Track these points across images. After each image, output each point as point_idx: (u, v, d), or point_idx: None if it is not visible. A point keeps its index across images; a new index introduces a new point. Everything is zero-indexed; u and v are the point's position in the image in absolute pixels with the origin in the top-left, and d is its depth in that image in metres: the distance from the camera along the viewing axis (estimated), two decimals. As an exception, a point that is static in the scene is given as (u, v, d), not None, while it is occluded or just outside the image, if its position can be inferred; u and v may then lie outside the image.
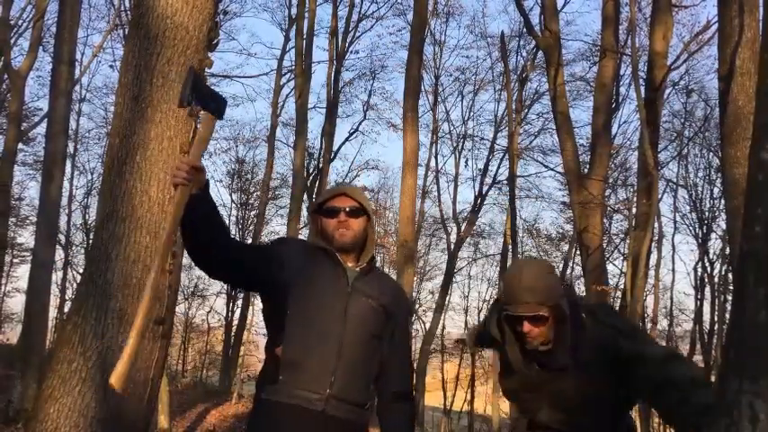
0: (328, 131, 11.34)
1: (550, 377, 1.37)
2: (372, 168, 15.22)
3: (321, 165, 11.63)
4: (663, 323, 13.54)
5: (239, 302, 12.97)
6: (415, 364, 11.08)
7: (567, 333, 1.33)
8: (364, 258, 1.46)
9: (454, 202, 13.18)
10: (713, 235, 12.44)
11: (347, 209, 1.44)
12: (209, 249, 1.33)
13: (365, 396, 1.42)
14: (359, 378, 1.39)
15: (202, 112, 1.23)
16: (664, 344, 14.21)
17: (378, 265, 1.54)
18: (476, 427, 12.90)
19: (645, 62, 7.18)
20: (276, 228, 15.31)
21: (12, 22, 8.82)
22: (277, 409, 1.34)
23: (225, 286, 12.69)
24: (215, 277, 1.46)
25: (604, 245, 7.86)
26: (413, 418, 1.50)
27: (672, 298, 13.63)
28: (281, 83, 12.12)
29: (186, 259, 2.09)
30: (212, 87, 1.27)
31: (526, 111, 12.41)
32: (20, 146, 10.03)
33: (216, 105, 1.25)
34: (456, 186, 13.22)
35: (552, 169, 11.93)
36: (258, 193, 13.66)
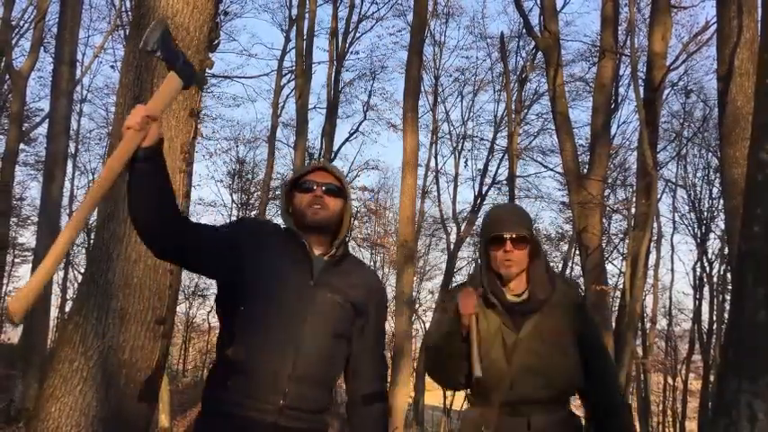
0: (328, 132, 11.36)
1: (527, 330, 1.42)
2: (372, 168, 15.23)
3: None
4: (662, 323, 13.57)
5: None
6: (414, 364, 11.16)
7: (542, 270, 1.45)
8: (335, 245, 1.31)
9: (454, 203, 13.22)
10: (712, 235, 12.48)
11: (324, 186, 1.30)
12: (156, 222, 1.14)
13: (325, 402, 1.28)
14: (318, 385, 1.25)
15: (171, 72, 1.11)
16: (663, 343, 14.30)
17: (351, 252, 1.39)
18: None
19: (644, 63, 7.20)
20: (276, 228, 15.24)
21: (13, 23, 8.83)
22: (224, 419, 1.20)
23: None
24: (164, 258, 1.30)
25: (603, 245, 7.87)
26: (385, 420, 1.38)
27: (671, 298, 13.68)
28: (282, 83, 12.14)
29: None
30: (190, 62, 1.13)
31: (526, 111, 12.43)
32: (21, 146, 9.98)
33: (184, 68, 1.12)
34: (456, 186, 13.26)
35: (552, 169, 11.96)
36: (259, 193, 13.68)
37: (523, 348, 1.41)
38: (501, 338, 1.42)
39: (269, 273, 1.25)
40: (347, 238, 1.35)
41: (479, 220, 13.42)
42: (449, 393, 12.38)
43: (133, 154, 1.09)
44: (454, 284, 1.72)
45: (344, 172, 14.41)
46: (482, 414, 1.42)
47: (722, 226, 10.98)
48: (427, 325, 13.28)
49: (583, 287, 6.14)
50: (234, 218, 15.08)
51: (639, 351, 11.05)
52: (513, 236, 1.41)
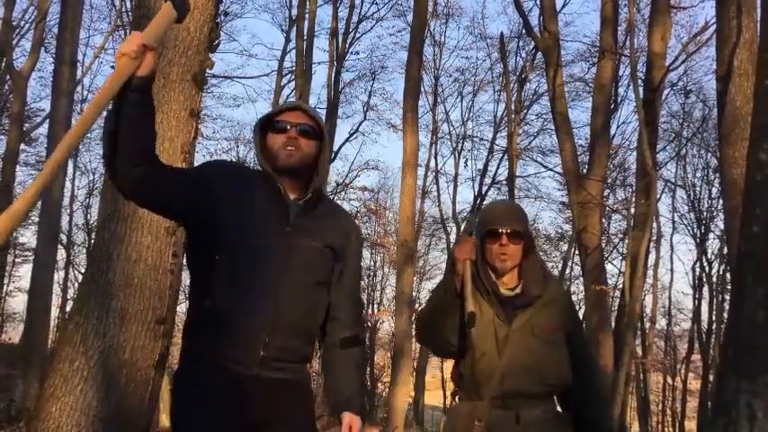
0: (329, 132, 11.33)
1: (520, 323, 1.44)
2: (372, 169, 15.21)
3: (321, 165, 11.61)
4: (661, 322, 13.58)
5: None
6: (414, 363, 11.15)
7: (535, 265, 1.50)
8: (311, 188, 1.24)
9: (454, 202, 13.22)
10: (711, 235, 12.49)
11: (299, 126, 1.22)
12: (136, 155, 1.09)
13: (307, 352, 1.24)
14: (299, 334, 1.20)
15: (166, 2, 1.09)
16: (662, 343, 14.32)
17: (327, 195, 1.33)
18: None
19: (643, 63, 7.20)
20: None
21: (14, 24, 8.82)
22: (204, 371, 1.16)
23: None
24: (134, 199, 1.19)
25: (603, 245, 7.88)
26: (363, 364, 1.35)
27: (670, 297, 13.68)
28: (282, 83, 12.15)
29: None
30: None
31: (525, 111, 12.43)
32: (22, 146, 9.97)
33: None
34: (455, 186, 13.26)
35: (551, 169, 11.96)
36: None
37: (515, 342, 1.43)
38: (493, 330, 1.44)
39: (243, 219, 1.19)
40: (323, 182, 1.30)
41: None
42: (448, 393, 12.38)
43: (126, 82, 1.04)
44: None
45: (344, 172, 14.43)
46: (474, 407, 1.43)
47: (721, 226, 11.00)
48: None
49: (582, 287, 6.14)
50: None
51: (639, 351, 11.05)
52: (509, 231, 1.46)
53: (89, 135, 14.05)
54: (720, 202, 10.83)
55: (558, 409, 1.49)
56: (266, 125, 1.25)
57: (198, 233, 1.22)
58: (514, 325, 1.44)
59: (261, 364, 1.16)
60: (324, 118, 12.61)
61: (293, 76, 11.25)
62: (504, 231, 1.45)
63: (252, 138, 1.30)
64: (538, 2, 7.79)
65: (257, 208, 1.21)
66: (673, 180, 12.21)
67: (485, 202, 12.65)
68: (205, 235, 1.19)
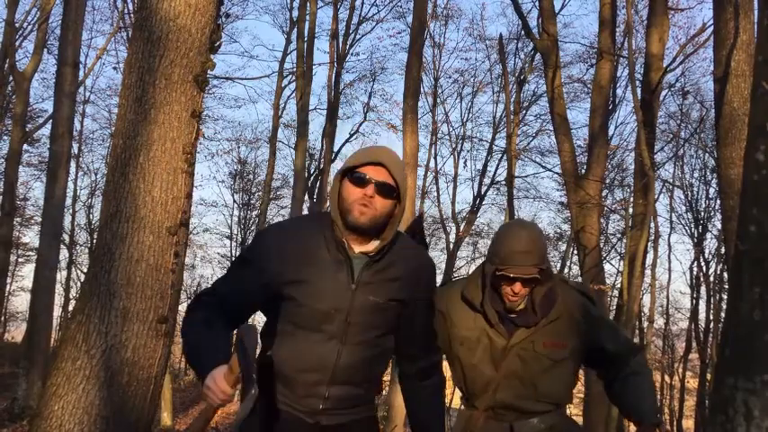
0: (329, 132, 11.37)
1: (520, 337, 1.39)
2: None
3: (322, 165, 11.68)
4: (659, 321, 13.62)
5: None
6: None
7: (544, 292, 1.39)
8: (381, 242, 1.20)
9: (453, 203, 13.25)
10: (709, 235, 12.54)
11: (377, 184, 1.18)
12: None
13: (370, 395, 1.28)
14: (360, 384, 1.24)
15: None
16: (660, 342, 14.35)
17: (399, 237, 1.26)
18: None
19: (641, 64, 7.23)
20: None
21: (17, 25, 8.82)
22: (269, 412, 1.21)
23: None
24: None
25: (601, 244, 7.91)
26: (442, 393, 1.35)
27: (668, 297, 13.72)
28: (283, 85, 12.17)
29: (188, 259, 2.08)
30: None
31: (524, 112, 12.48)
32: (25, 147, 10.02)
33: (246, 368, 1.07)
34: (455, 187, 13.29)
35: (550, 170, 12.00)
36: (260, 193, 13.71)
37: (512, 355, 1.38)
38: (488, 342, 1.39)
39: (308, 281, 1.19)
40: (392, 236, 1.23)
41: (479, 221, 13.47)
42: (448, 392, 12.40)
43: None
44: (441, 284, 1.71)
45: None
46: (470, 416, 1.42)
47: (719, 226, 11.05)
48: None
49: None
50: (235, 217, 15.00)
51: (637, 351, 11.03)
52: (525, 278, 1.34)
53: (91, 135, 14.06)
54: (718, 202, 10.90)
55: (556, 418, 1.42)
56: (346, 171, 1.22)
57: (268, 306, 1.25)
58: (513, 339, 1.39)
59: (321, 413, 1.21)
60: (324, 119, 12.52)
61: (294, 78, 11.28)
62: (518, 278, 1.34)
63: (281, 195, 1.26)
64: (537, 3, 7.82)
65: (320, 268, 1.20)
66: (670, 180, 12.25)
67: (484, 203, 12.68)
68: (273, 305, 1.22)
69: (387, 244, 1.22)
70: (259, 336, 1.24)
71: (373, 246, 1.22)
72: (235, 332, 1.09)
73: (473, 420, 1.42)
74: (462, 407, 1.50)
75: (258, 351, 1.21)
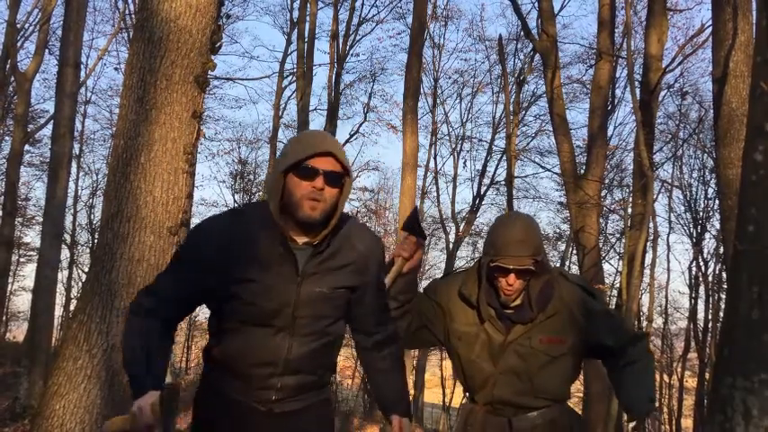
0: (329, 133, 11.35)
1: (517, 333, 1.37)
2: (373, 169, 15.29)
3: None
4: (658, 321, 13.63)
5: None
6: (414, 362, 11.15)
7: (541, 285, 1.37)
8: (325, 231, 1.16)
9: (453, 203, 13.25)
10: (707, 234, 12.55)
11: (327, 176, 1.12)
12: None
13: (323, 380, 1.26)
14: (313, 372, 1.22)
15: None
16: (659, 341, 14.38)
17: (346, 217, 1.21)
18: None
19: (640, 65, 7.25)
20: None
21: (18, 26, 8.83)
22: (221, 401, 1.20)
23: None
24: None
25: (600, 244, 7.92)
26: (400, 360, 1.33)
27: (667, 296, 13.72)
28: (283, 85, 12.18)
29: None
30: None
31: (524, 113, 12.49)
32: (26, 147, 9.98)
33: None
34: (455, 187, 13.30)
35: (549, 170, 12.01)
36: (260, 193, 13.69)
37: (510, 352, 1.37)
38: (485, 339, 1.38)
39: (252, 278, 1.16)
40: (336, 224, 1.18)
41: (478, 221, 13.49)
42: (448, 391, 12.42)
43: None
44: (443, 275, 1.66)
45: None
46: (471, 411, 1.42)
47: (717, 226, 11.07)
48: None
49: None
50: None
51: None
52: (519, 269, 1.32)
53: (92, 136, 14.08)
54: (716, 202, 10.92)
55: (556, 412, 1.39)
56: (292, 165, 1.13)
57: (212, 302, 1.22)
58: (511, 336, 1.38)
59: (274, 403, 1.20)
60: (324, 119, 12.51)
61: (294, 78, 11.28)
62: (513, 269, 1.32)
63: (267, 173, 1.22)
64: (536, 4, 7.84)
65: (263, 263, 1.16)
66: (669, 180, 12.27)
67: (483, 203, 12.70)
68: (217, 300, 1.20)
69: (330, 232, 1.17)
70: (208, 327, 1.25)
71: (316, 235, 1.17)
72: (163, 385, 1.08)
73: (473, 415, 1.41)
74: (465, 401, 1.49)
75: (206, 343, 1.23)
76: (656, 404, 1.45)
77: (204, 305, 1.25)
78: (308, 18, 10.14)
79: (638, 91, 6.01)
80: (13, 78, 8.91)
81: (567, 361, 1.39)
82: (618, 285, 7.77)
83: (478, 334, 1.39)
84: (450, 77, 13.65)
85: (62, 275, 12.17)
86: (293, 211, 1.15)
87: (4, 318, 11.93)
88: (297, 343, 1.19)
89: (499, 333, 1.38)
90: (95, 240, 11.10)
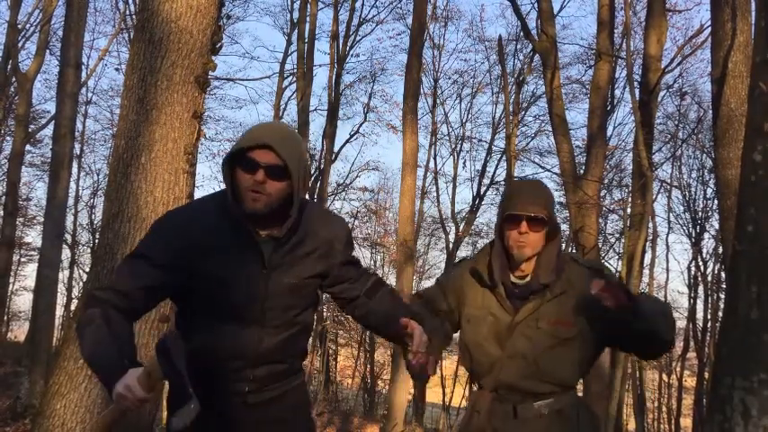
0: (329, 133, 11.39)
1: (526, 313, 1.34)
2: (373, 169, 15.29)
3: (322, 166, 11.69)
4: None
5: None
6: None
7: (552, 253, 1.35)
8: (284, 227, 1.15)
9: (453, 203, 13.27)
10: (706, 234, 12.57)
11: (265, 168, 1.11)
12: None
13: (296, 366, 1.26)
14: (285, 360, 1.22)
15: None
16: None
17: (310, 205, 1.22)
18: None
19: (639, 65, 7.27)
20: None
21: (19, 27, 8.85)
22: (195, 393, 1.12)
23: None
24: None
25: (600, 244, 7.93)
26: (397, 295, 1.35)
27: (666, 296, 13.73)
28: (283, 85, 12.19)
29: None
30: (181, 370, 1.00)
31: (523, 113, 12.50)
32: (27, 147, 9.97)
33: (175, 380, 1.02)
34: (454, 187, 13.31)
35: (549, 170, 12.01)
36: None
37: (518, 334, 1.34)
38: (493, 320, 1.36)
39: (217, 273, 1.15)
40: (296, 215, 1.17)
41: (478, 221, 13.50)
42: (447, 391, 12.42)
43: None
44: (458, 259, 1.67)
45: (345, 173, 14.42)
46: (478, 396, 1.40)
47: (716, 226, 11.09)
48: (425, 325, 13.19)
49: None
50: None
51: (635, 350, 11.05)
52: (531, 215, 1.30)
53: (93, 136, 14.09)
54: (715, 202, 10.94)
55: (564, 402, 1.34)
56: (235, 157, 1.13)
57: (177, 294, 1.20)
58: (519, 315, 1.34)
59: (247, 394, 1.20)
60: (325, 119, 12.47)
61: (294, 79, 11.29)
62: (524, 216, 1.30)
63: (221, 167, 1.16)
64: (535, 5, 7.84)
65: (229, 257, 1.14)
66: (668, 181, 12.29)
67: (483, 203, 12.72)
68: (183, 296, 1.19)
69: (292, 223, 1.16)
70: (175, 320, 1.23)
71: (279, 228, 1.16)
72: (156, 343, 1.03)
73: (480, 401, 1.38)
74: (474, 388, 1.48)
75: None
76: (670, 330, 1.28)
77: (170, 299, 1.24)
78: (308, 19, 10.16)
79: (637, 91, 6.02)
80: (14, 79, 8.95)
81: (575, 346, 1.34)
82: (617, 285, 7.73)
83: (486, 316, 1.37)
84: (449, 78, 13.66)
85: (63, 275, 12.20)
86: (239, 206, 1.14)
87: (5, 317, 11.94)
88: (267, 334, 1.18)
89: (506, 313, 1.35)
90: (96, 240, 11.11)
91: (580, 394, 1.48)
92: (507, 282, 1.37)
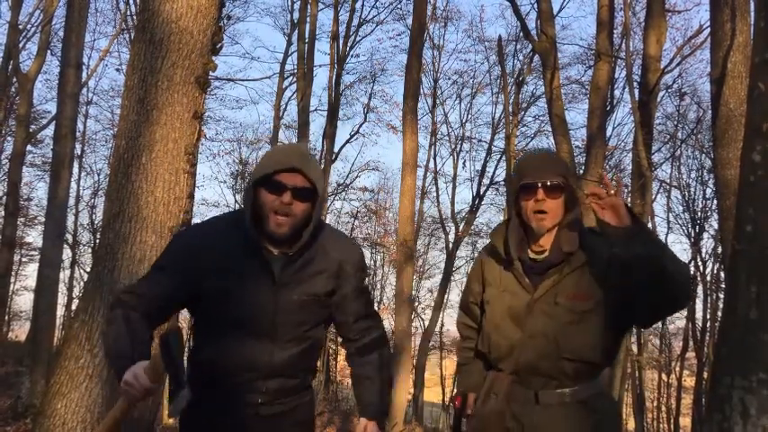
0: (329, 133, 11.40)
1: (544, 289, 1.27)
2: (372, 169, 15.33)
3: (323, 166, 11.70)
4: (657, 322, 13.62)
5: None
6: (414, 361, 11.18)
7: (573, 223, 1.27)
8: (296, 246, 1.19)
9: (452, 203, 13.29)
10: (705, 234, 12.59)
11: (294, 191, 1.16)
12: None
13: (305, 382, 1.30)
14: (295, 375, 1.26)
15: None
16: (657, 341, 14.40)
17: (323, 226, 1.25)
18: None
19: (639, 66, 7.29)
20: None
21: (20, 27, 8.85)
22: (209, 401, 1.22)
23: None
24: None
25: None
26: (386, 364, 1.35)
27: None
28: (284, 86, 12.22)
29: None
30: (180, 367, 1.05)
31: (523, 113, 12.51)
32: (28, 147, 10.00)
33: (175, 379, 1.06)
34: (454, 187, 13.33)
35: (548, 170, 11.96)
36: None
37: (538, 311, 1.26)
38: (509, 300, 1.29)
39: (228, 287, 1.20)
40: (309, 236, 1.21)
41: (478, 221, 13.51)
42: (447, 390, 12.43)
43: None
44: (481, 247, 1.56)
45: (345, 173, 14.48)
46: (495, 378, 1.32)
47: (715, 226, 11.10)
48: (426, 323, 13.30)
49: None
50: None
51: (634, 348, 11.14)
52: (547, 183, 1.23)
53: (94, 136, 14.09)
54: (714, 202, 10.95)
55: (588, 392, 1.27)
56: (260, 180, 1.17)
57: (193, 307, 1.26)
58: (538, 292, 1.27)
59: (260, 406, 1.24)
60: (325, 119, 12.51)
61: (295, 79, 11.30)
62: (540, 184, 1.22)
63: (244, 187, 1.24)
64: (535, 6, 7.85)
65: (240, 272, 1.20)
66: (668, 181, 12.31)
67: (483, 203, 12.73)
68: (198, 308, 1.24)
69: (305, 242, 1.21)
70: (190, 334, 1.30)
71: (291, 246, 1.21)
72: (159, 336, 1.07)
73: (498, 382, 1.31)
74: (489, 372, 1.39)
75: (186, 352, 1.19)
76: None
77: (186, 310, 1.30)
78: (308, 19, 10.16)
79: (636, 91, 6.03)
80: (15, 79, 8.95)
81: (594, 320, 1.25)
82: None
83: (504, 295, 1.31)
84: (449, 78, 13.73)
85: (64, 275, 12.20)
86: (263, 224, 1.19)
87: (6, 317, 11.93)
88: (278, 348, 1.23)
89: (525, 291, 1.29)
90: (97, 240, 11.11)
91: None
92: (525, 257, 1.30)
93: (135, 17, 7.60)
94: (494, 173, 12.81)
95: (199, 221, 1.37)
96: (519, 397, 1.30)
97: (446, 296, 13.06)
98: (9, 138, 11.10)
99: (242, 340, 1.22)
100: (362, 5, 13.98)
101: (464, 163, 14.23)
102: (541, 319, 1.29)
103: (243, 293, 1.20)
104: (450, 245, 12.75)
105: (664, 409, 14.33)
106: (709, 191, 12.30)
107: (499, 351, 1.33)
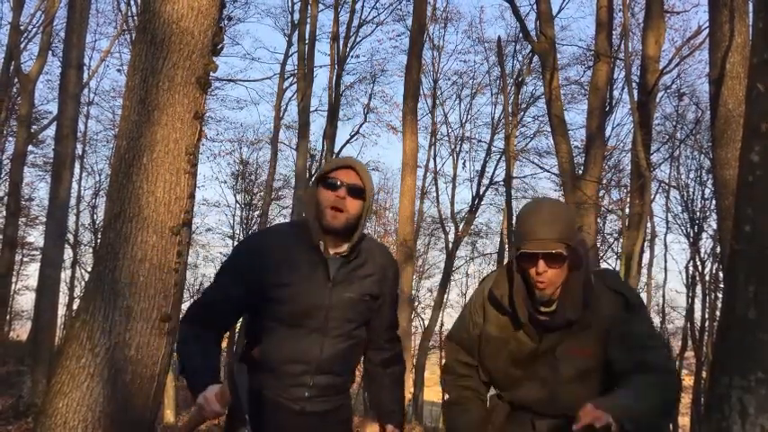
0: (330, 134, 11.42)
1: (549, 342, 1.26)
2: (373, 170, 15.32)
3: (323, 166, 11.70)
4: (655, 320, 13.68)
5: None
6: (414, 360, 11.21)
7: (579, 284, 1.21)
8: (350, 246, 1.33)
9: (452, 203, 13.32)
10: (704, 234, 12.61)
11: (348, 186, 1.31)
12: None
13: (348, 382, 1.41)
14: (341, 373, 1.36)
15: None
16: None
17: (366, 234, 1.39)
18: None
19: (638, 66, 7.31)
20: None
21: (22, 28, 8.89)
22: (258, 396, 1.29)
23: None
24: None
25: (598, 244, 7.95)
26: (402, 377, 1.48)
27: (664, 296, 13.78)
28: (284, 86, 12.25)
29: (191, 258, 2.10)
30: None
31: (522, 114, 12.54)
32: (30, 148, 10.08)
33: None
34: (454, 187, 13.36)
35: (547, 170, 12.05)
36: (261, 193, 13.77)
37: (540, 363, 1.28)
38: (515, 345, 1.29)
39: (286, 283, 1.30)
40: (359, 237, 1.35)
41: (477, 221, 13.52)
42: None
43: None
44: (484, 276, 1.53)
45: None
46: (495, 407, 1.38)
47: (714, 226, 11.12)
48: (426, 322, 13.32)
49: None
50: (237, 217, 15.05)
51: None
52: (549, 253, 1.17)
53: (95, 136, 14.10)
54: (713, 202, 10.98)
55: None
56: (320, 178, 1.35)
57: (252, 306, 1.36)
58: (543, 345, 1.27)
59: (306, 401, 1.33)
60: (325, 120, 12.57)
61: (295, 79, 11.32)
62: (540, 254, 1.17)
63: (304, 191, 1.36)
64: (534, 7, 7.87)
65: (299, 272, 1.32)
66: (666, 181, 12.32)
67: (482, 203, 12.74)
68: (259, 307, 1.34)
69: (356, 244, 1.34)
70: (245, 330, 1.40)
71: (345, 247, 1.35)
72: (227, 366, 1.21)
73: (496, 413, 1.37)
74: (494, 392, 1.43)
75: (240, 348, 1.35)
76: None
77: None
78: (308, 20, 10.18)
79: (635, 92, 6.05)
80: (16, 80, 8.99)
81: (596, 377, 1.25)
82: (616, 285, 7.76)
83: (508, 340, 1.29)
84: (449, 79, 13.71)
85: (65, 275, 12.22)
86: (320, 219, 1.32)
87: (7, 317, 11.94)
88: (328, 343, 1.33)
89: (530, 340, 1.27)
90: (98, 240, 11.12)
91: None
92: (532, 312, 1.27)
93: (136, 18, 7.60)
94: (493, 173, 12.85)
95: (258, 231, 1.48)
96: (516, 422, 1.35)
97: (446, 296, 13.10)
98: (10, 138, 11.13)
99: (294, 333, 1.31)
100: (362, 6, 14.03)
101: (464, 163, 14.26)
102: (543, 368, 1.29)
103: (300, 289, 1.31)
104: (450, 245, 12.76)
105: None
106: (707, 191, 12.33)
107: (497, 384, 1.39)
